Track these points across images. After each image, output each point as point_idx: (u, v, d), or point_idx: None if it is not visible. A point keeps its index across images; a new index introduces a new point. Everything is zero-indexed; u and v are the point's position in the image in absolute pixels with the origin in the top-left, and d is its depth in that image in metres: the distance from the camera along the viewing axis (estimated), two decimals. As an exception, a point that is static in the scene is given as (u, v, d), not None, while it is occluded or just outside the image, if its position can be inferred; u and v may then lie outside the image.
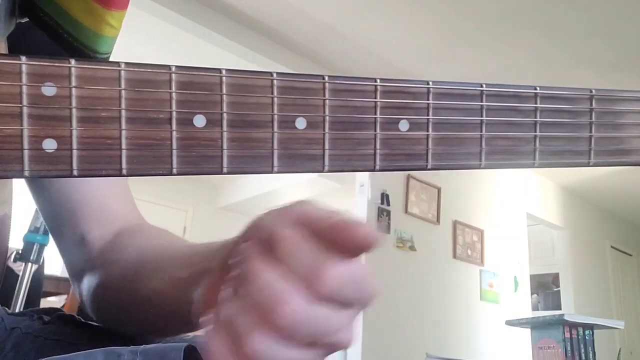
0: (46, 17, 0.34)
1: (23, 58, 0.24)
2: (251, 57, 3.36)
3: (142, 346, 0.34)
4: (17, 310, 0.95)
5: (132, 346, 0.34)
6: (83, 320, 0.49)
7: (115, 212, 0.49)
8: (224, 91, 0.27)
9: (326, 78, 0.28)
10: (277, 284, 0.22)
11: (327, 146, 0.28)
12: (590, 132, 0.34)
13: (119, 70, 0.25)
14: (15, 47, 0.39)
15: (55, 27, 0.34)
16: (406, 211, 3.90)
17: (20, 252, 1.41)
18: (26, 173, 0.25)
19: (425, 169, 0.31)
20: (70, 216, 0.48)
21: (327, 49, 3.52)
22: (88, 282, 0.46)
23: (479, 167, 0.32)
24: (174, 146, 0.26)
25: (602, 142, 0.34)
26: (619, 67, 3.49)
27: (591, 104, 0.34)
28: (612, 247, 6.16)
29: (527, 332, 2.07)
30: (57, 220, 0.50)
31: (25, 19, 0.36)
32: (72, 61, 0.25)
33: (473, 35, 3.26)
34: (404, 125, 0.30)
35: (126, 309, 0.42)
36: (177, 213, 5.96)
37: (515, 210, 4.90)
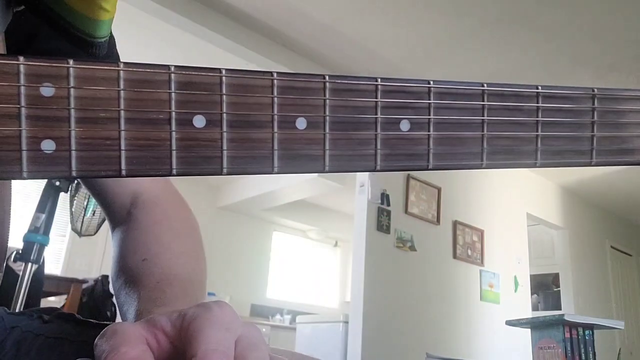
0: (42, 6, 0.34)
1: (21, 58, 0.24)
2: (251, 57, 3.37)
3: None
4: (17, 310, 0.95)
5: None
6: (83, 319, 0.49)
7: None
8: (224, 91, 0.26)
9: (327, 78, 0.28)
10: None
11: (327, 146, 0.28)
12: (593, 131, 0.34)
13: (118, 70, 0.25)
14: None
15: (51, 14, 0.34)
16: (406, 211, 3.90)
17: (20, 252, 1.41)
18: (25, 174, 0.24)
19: (426, 169, 0.31)
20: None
21: (327, 49, 3.52)
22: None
23: (480, 167, 0.31)
24: (174, 147, 0.26)
25: (605, 142, 0.34)
26: (618, 68, 3.49)
27: (593, 103, 0.34)
28: (612, 247, 6.15)
29: (527, 332, 2.07)
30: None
31: (22, 7, 0.36)
32: (70, 61, 0.25)
33: (473, 35, 3.26)
34: (405, 125, 0.30)
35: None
36: (177, 213, 5.94)
37: (515, 210, 4.90)
